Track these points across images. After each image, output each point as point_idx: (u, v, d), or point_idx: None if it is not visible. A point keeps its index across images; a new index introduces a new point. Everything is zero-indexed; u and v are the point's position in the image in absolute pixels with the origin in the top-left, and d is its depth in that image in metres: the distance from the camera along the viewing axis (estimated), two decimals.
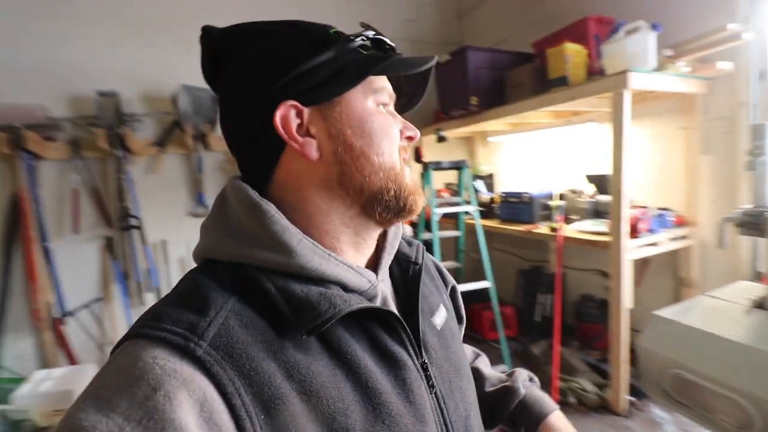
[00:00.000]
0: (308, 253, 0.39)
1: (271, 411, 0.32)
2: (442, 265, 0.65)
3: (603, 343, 2.15)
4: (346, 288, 0.41)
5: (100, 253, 2.29)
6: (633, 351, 1.89)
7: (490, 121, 2.37)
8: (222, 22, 0.49)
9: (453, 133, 2.87)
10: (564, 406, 1.97)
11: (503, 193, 2.46)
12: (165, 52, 2.34)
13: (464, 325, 0.65)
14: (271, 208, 0.40)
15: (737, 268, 1.75)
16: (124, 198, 2.23)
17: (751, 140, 1.02)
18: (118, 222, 2.24)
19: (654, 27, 1.52)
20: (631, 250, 1.69)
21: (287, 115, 0.41)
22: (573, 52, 1.88)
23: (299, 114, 0.42)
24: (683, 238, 1.85)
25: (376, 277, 0.45)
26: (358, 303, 0.39)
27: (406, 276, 0.51)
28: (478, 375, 0.66)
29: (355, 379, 0.38)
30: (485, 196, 2.78)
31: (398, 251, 0.52)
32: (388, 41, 0.45)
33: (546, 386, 2.01)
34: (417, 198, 0.45)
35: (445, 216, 2.38)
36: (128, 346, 0.33)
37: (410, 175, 0.46)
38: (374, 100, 0.44)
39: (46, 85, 2.15)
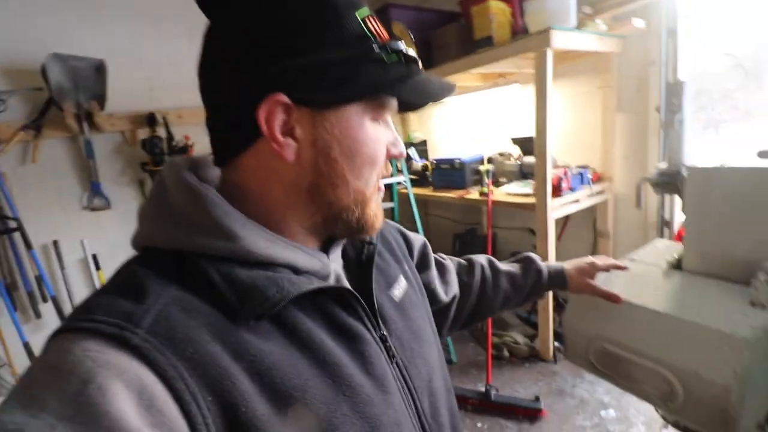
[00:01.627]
0: (253, 236, 0.38)
1: (218, 392, 0.31)
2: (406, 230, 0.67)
3: None
4: (297, 270, 0.40)
5: None
6: (556, 299, 2.02)
7: None
8: None
9: None
10: (498, 360, 2.08)
11: (435, 160, 2.42)
12: (27, 13, 1.89)
13: (433, 270, 0.69)
14: (210, 192, 0.38)
15: (647, 218, 1.90)
16: None
17: (667, 98, 1.03)
18: None
19: None
20: (556, 209, 1.75)
21: (274, 111, 0.37)
22: (497, 10, 1.82)
23: (287, 110, 0.37)
24: (600, 193, 1.96)
25: (328, 258, 0.45)
26: (308, 284, 0.38)
27: (360, 254, 0.51)
28: (494, 269, 0.78)
29: (311, 355, 0.37)
30: (418, 163, 2.73)
31: None
32: (415, 57, 0.42)
33: (482, 341, 2.09)
34: (376, 223, 0.45)
35: None
36: (57, 342, 0.31)
37: (379, 199, 0.45)
38: (372, 116, 0.41)
39: None
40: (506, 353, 2.09)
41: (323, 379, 0.36)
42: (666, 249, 0.95)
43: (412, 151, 2.89)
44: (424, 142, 3.02)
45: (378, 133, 0.42)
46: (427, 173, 2.56)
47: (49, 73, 1.84)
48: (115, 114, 2.10)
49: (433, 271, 0.68)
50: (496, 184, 2.20)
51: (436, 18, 2.24)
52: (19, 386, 0.29)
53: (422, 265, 0.67)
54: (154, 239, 0.38)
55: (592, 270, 0.77)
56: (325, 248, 0.46)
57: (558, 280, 0.78)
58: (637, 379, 0.70)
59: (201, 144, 2.32)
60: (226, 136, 0.40)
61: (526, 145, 2.15)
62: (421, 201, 2.34)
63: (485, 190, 1.98)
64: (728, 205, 0.75)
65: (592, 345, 0.78)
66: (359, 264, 0.50)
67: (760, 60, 1.58)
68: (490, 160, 2.33)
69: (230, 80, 0.38)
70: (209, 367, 0.31)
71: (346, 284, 0.46)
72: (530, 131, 2.08)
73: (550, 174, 1.70)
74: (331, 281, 0.44)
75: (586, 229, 2.17)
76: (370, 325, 0.43)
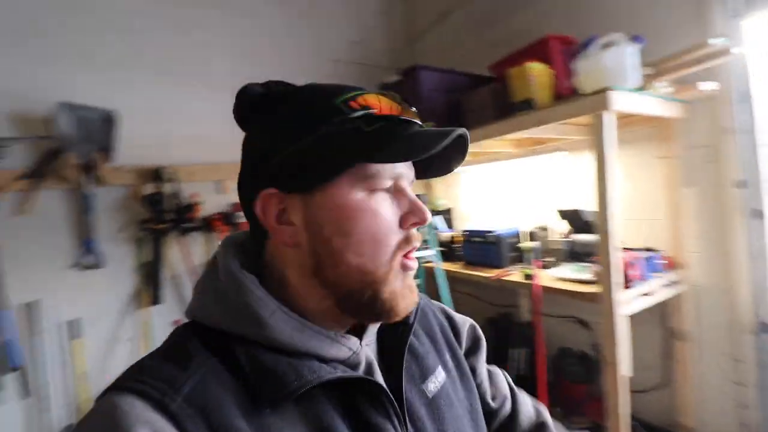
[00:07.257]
0: (280, 325, 0.41)
1: None
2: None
3: (592, 406, 1.81)
4: (322, 358, 0.42)
5: None
6: (634, 419, 1.56)
7: None
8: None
9: None
10: None
11: (465, 231, 2.13)
12: (35, 60, 1.86)
13: (482, 359, 0.66)
14: (246, 280, 0.42)
15: (737, 315, 1.50)
16: None
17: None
18: None
19: (635, 39, 1.29)
20: (626, 304, 1.38)
21: (268, 203, 0.44)
22: (539, 71, 1.64)
23: (281, 200, 0.43)
24: (675, 284, 1.59)
25: (360, 344, 0.45)
26: (329, 374, 0.40)
27: (395, 337, 0.49)
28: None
29: None
30: (445, 234, 2.45)
31: None
32: (399, 117, 0.43)
33: None
34: (398, 306, 0.43)
35: None
36: (109, 397, 0.37)
37: (402, 277, 0.44)
38: (367, 188, 0.43)
39: None
40: None
41: None
42: None
43: (440, 220, 2.62)
44: (449, 211, 2.76)
45: (378, 205, 0.43)
46: (454, 246, 2.26)
47: (59, 123, 1.75)
48: (123, 167, 1.97)
49: (482, 360, 0.65)
50: (543, 265, 1.87)
51: (467, 82, 2.11)
52: (75, 428, 0.36)
53: (472, 350, 0.65)
54: (199, 315, 0.43)
55: None
56: (361, 331, 0.47)
57: None
58: None
59: (210, 202, 2.16)
60: (252, 227, 0.47)
61: (574, 219, 1.84)
62: (448, 277, 2.02)
63: (529, 272, 1.65)
64: None
65: None
66: (393, 345, 0.48)
67: None
68: (532, 237, 2.02)
69: (242, 184, 0.47)
70: None
71: (377, 374, 0.45)
72: (578, 203, 1.81)
73: (617, 260, 1.36)
74: (361, 370, 0.44)
75: (654, 327, 1.76)
76: (397, 423, 0.42)
